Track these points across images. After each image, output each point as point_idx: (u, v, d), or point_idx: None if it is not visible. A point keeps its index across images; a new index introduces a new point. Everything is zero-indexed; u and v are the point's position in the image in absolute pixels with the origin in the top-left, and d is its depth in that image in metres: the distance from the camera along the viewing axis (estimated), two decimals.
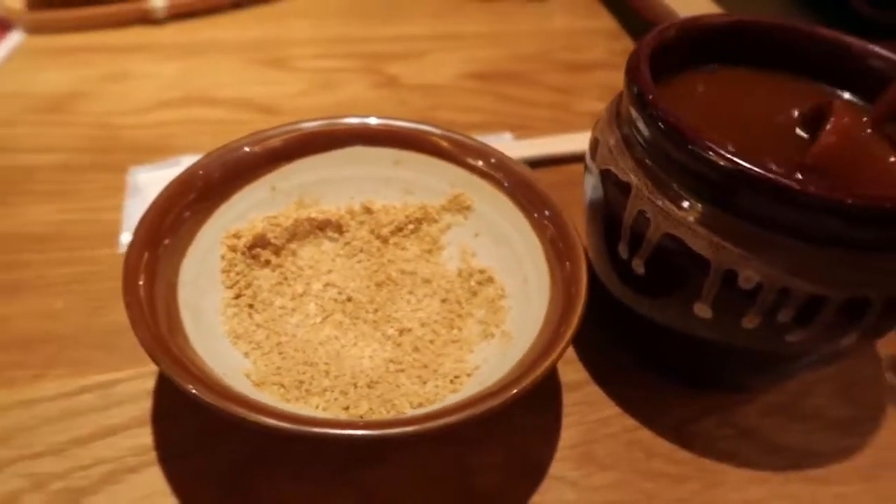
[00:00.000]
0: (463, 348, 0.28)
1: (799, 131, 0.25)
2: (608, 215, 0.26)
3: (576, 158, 0.40)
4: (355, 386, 0.26)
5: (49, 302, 0.30)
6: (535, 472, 0.26)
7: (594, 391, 0.29)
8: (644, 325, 0.28)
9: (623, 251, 0.25)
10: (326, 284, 0.30)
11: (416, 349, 0.27)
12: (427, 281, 0.30)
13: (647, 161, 0.24)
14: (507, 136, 0.43)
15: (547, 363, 0.22)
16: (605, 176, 0.25)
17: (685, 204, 0.22)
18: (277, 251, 0.30)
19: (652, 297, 0.26)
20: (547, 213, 0.28)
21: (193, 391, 0.20)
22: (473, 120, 0.45)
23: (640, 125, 0.23)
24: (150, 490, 0.24)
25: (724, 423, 0.28)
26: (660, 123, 0.22)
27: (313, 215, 0.31)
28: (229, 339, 0.27)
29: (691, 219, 0.22)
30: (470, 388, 0.25)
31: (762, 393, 0.29)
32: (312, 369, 0.26)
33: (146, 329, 0.22)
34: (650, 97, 0.23)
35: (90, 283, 0.31)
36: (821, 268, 0.21)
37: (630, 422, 0.28)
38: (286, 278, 0.30)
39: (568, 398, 0.28)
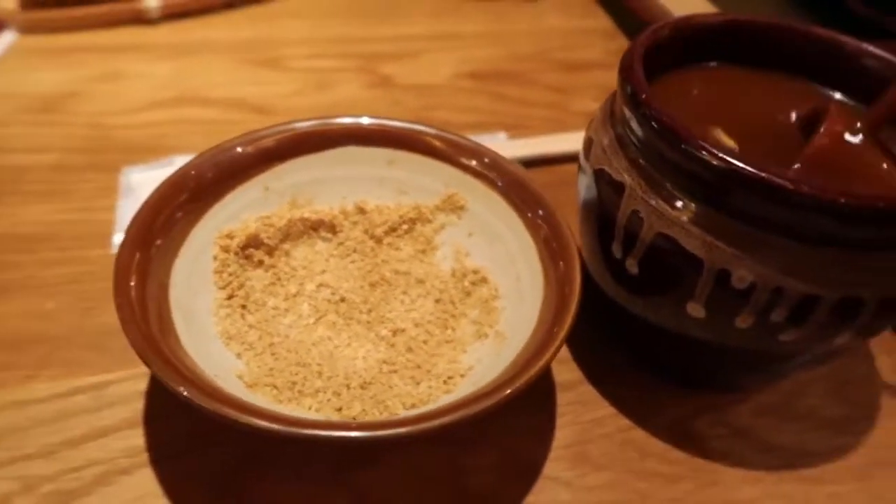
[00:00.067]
0: (456, 349, 0.28)
1: (794, 131, 0.25)
2: (602, 215, 0.26)
3: (570, 158, 0.40)
4: (348, 387, 0.25)
5: (41, 302, 0.30)
6: (529, 472, 0.26)
7: (588, 391, 0.29)
8: (638, 325, 0.28)
9: (617, 251, 0.25)
10: (320, 285, 0.30)
11: (409, 350, 0.27)
12: (421, 281, 0.30)
13: (640, 161, 0.24)
14: (502, 135, 0.43)
15: (541, 363, 0.22)
16: (599, 175, 0.25)
17: (678, 203, 0.22)
18: (270, 251, 0.30)
19: (645, 297, 0.26)
20: (541, 212, 0.28)
21: (185, 393, 0.20)
22: (469, 120, 0.45)
23: (634, 125, 0.23)
24: (142, 492, 0.24)
25: (718, 423, 0.28)
26: (653, 123, 0.22)
27: (306, 215, 0.31)
28: (222, 340, 0.26)
29: (685, 218, 0.22)
30: (463, 388, 0.25)
31: (756, 392, 0.29)
32: (305, 370, 0.26)
33: (137, 330, 0.22)
34: (643, 96, 0.23)
35: (83, 284, 0.31)
36: (814, 267, 0.21)
37: (624, 422, 0.28)
38: (279, 279, 0.30)
39: (562, 398, 0.28)
